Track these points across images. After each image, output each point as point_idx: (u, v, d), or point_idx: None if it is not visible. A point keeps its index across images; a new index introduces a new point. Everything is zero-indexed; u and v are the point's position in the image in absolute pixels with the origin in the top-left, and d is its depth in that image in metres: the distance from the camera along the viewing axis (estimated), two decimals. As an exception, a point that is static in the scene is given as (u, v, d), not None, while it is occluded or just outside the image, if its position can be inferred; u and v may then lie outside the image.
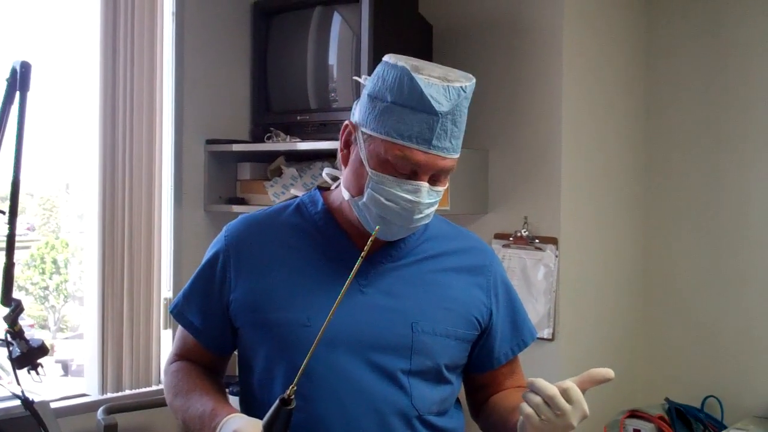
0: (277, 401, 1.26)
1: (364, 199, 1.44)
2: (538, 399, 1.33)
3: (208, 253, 1.60)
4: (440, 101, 1.38)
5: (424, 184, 1.41)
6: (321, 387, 1.44)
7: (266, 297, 1.49)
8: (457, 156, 1.44)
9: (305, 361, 1.26)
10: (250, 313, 1.51)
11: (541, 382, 1.34)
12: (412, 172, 1.41)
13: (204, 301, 1.57)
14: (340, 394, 1.44)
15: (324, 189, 1.60)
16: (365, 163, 1.43)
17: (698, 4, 3.10)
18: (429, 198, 1.43)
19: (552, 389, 1.32)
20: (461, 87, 1.40)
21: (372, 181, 1.42)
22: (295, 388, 1.25)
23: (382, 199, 1.41)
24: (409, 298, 1.50)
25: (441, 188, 1.46)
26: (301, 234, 1.54)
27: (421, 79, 1.38)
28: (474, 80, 1.47)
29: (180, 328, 1.63)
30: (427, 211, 1.44)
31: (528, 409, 1.34)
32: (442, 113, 1.38)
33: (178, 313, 1.61)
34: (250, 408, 1.54)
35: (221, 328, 1.57)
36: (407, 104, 1.38)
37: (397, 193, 1.40)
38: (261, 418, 1.30)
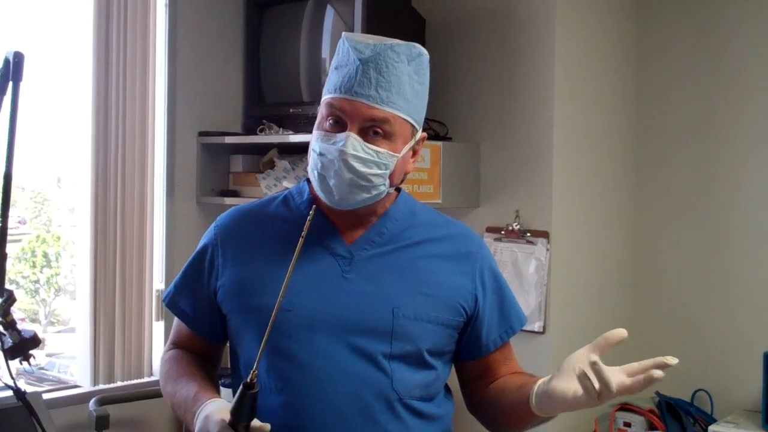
0: (241, 386, 1.28)
1: (309, 162, 1.50)
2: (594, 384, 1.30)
3: (200, 244, 1.63)
4: (362, 51, 1.45)
5: (350, 134, 1.43)
6: (301, 369, 1.46)
7: (250, 283, 1.52)
8: (390, 110, 1.45)
9: (264, 338, 1.29)
10: (236, 298, 1.54)
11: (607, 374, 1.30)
12: (342, 125, 1.45)
13: (194, 290, 1.61)
14: (320, 376, 1.45)
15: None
16: (313, 130, 1.51)
17: (690, -1, 3.12)
18: (358, 151, 1.43)
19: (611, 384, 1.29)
20: (391, 43, 1.47)
21: (312, 141, 1.49)
22: (257, 371, 1.27)
23: (316, 155, 1.47)
24: (392, 283, 1.51)
25: (381, 148, 1.45)
26: (286, 223, 1.56)
27: (351, 38, 1.48)
28: (420, 48, 1.51)
29: (176, 317, 1.66)
30: (362, 168, 1.44)
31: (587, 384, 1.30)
32: (362, 60, 1.44)
33: (171, 301, 1.64)
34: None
35: (211, 316, 1.60)
36: (339, 64, 1.48)
37: (326, 145, 1.45)
38: None
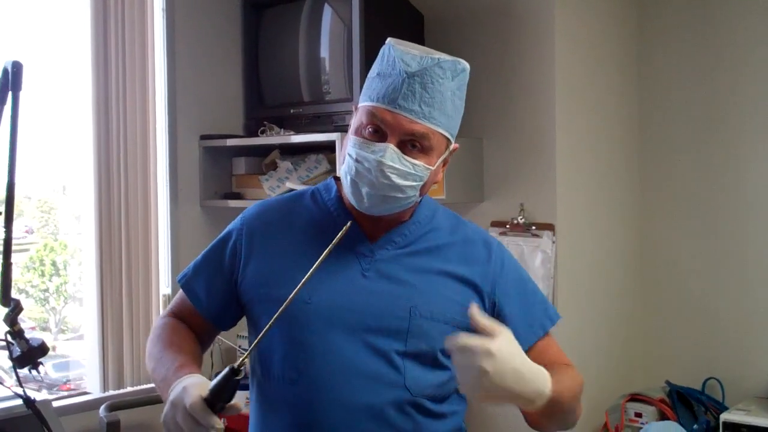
0: (227, 369, 1.29)
1: (343, 165, 1.51)
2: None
3: (224, 231, 1.66)
4: (409, 63, 1.45)
5: (390, 145, 1.45)
6: (315, 361, 1.48)
7: (272, 275, 1.54)
8: (431, 125, 1.46)
9: (267, 326, 1.30)
10: (257, 289, 1.56)
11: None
12: (382, 135, 1.46)
13: (212, 275, 1.63)
14: (333, 369, 1.48)
15: (339, 179, 1.64)
16: (350, 132, 1.52)
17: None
18: (396, 163, 1.45)
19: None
20: (438, 58, 1.47)
21: (348, 144, 1.50)
22: (247, 360, 1.28)
23: (352, 160, 1.48)
24: (410, 284, 1.52)
25: (418, 161, 1.47)
26: (312, 219, 1.59)
27: (398, 48, 1.48)
28: (464, 64, 1.51)
29: (181, 290, 1.68)
30: (398, 180, 1.45)
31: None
32: (408, 73, 1.44)
33: (186, 283, 1.66)
34: (252, 383, 1.61)
35: (225, 303, 1.62)
36: (384, 71, 1.48)
37: (363, 153, 1.46)
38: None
